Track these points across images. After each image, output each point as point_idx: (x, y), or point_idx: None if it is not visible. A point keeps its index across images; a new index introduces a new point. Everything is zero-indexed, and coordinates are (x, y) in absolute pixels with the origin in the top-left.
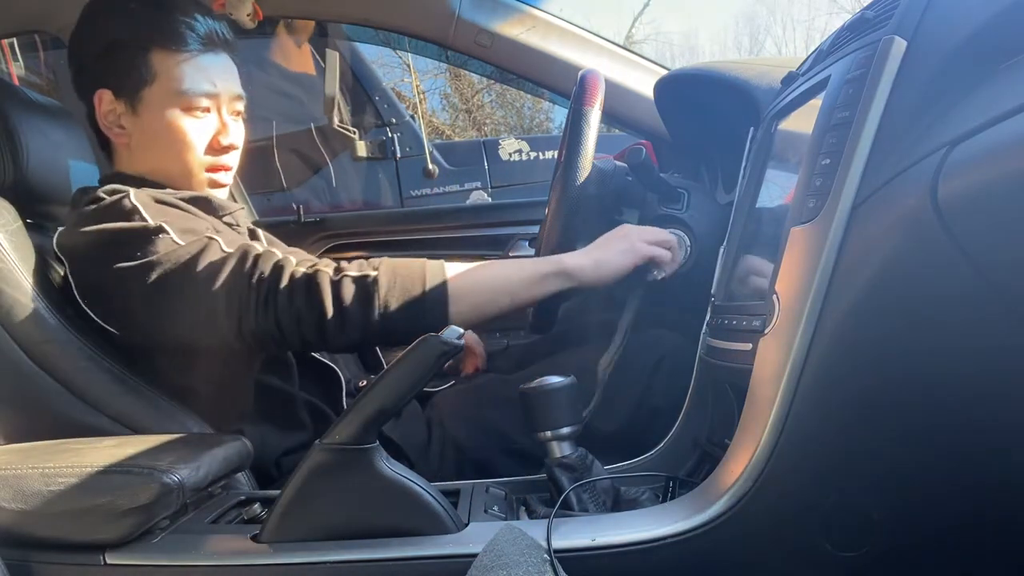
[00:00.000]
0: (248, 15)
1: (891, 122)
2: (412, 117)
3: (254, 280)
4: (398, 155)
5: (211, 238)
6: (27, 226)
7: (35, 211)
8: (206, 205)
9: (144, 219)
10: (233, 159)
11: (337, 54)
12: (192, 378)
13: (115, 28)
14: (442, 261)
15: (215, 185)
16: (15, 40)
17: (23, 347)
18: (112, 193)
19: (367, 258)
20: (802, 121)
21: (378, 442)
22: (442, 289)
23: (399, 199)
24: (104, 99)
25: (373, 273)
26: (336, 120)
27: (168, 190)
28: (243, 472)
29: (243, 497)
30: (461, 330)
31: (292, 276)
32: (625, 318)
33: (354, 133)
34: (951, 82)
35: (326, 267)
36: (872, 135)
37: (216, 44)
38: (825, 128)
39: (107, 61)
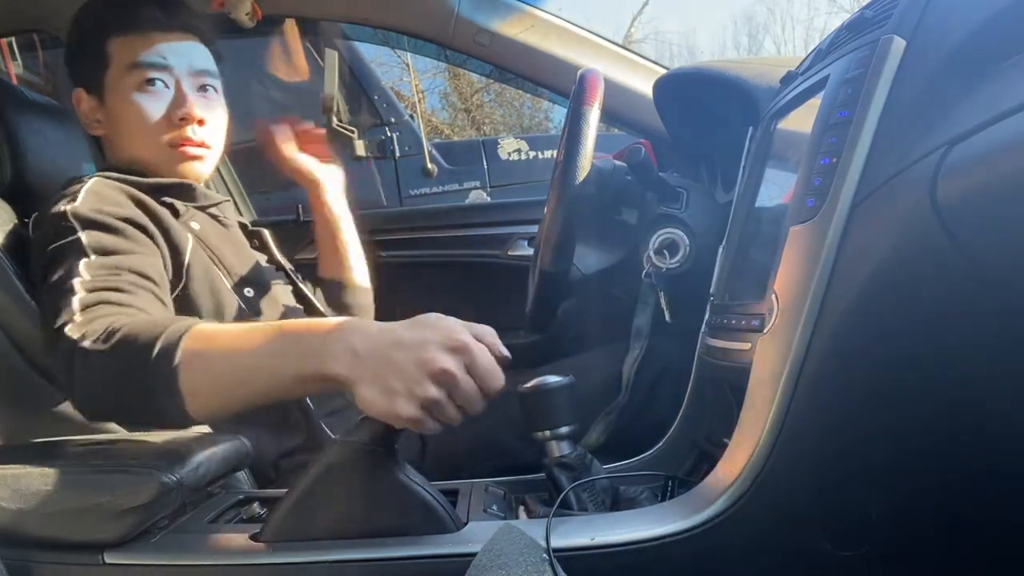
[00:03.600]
0: (247, 14)
1: (890, 121)
2: (411, 116)
3: (50, 304)
4: (397, 154)
5: (86, 243)
6: (25, 226)
7: (33, 211)
8: (184, 192)
9: (74, 202)
10: (205, 134)
11: (336, 53)
12: None
13: (80, 26)
14: (183, 336)
15: (187, 158)
16: (13, 39)
17: (20, 348)
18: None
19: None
20: (801, 120)
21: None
22: (172, 383)
23: (398, 198)
24: (81, 98)
25: (102, 347)
26: (335, 119)
27: (144, 178)
28: (242, 471)
29: (242, 496)
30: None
31: (61, 327)
32: (641, 320)
33: (353, 132)
34: (950, 81)
35: (85, 323)
36: (871, 134)
37: (170, 25)
38: (824, 127)
39: (77, 59)
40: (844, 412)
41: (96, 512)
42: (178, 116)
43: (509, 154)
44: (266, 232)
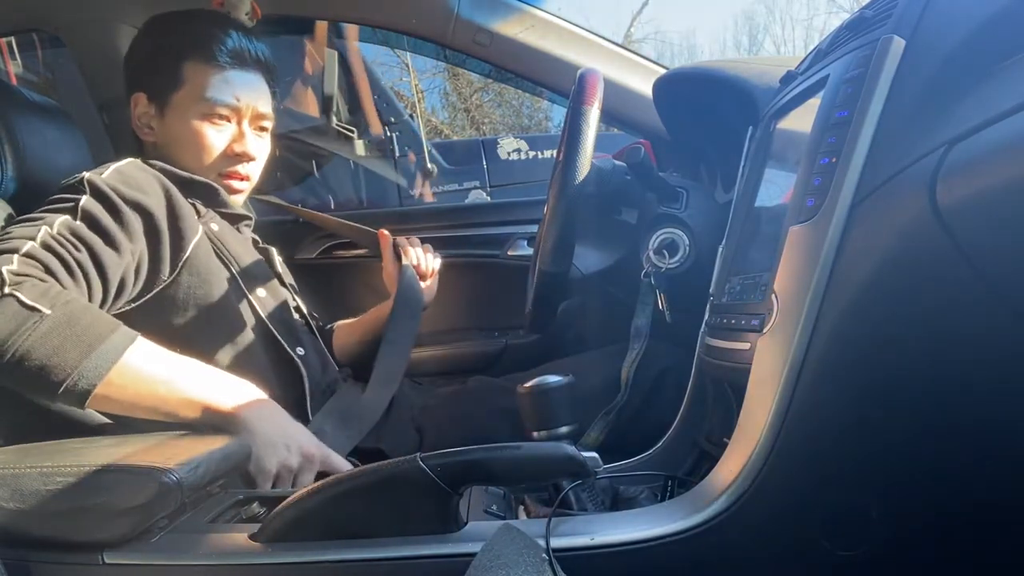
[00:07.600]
0: (247, 13)
1: (890, 121)
2: (411, 116)
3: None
4: (397, 154)
5: (83, 205)
6: None
7: (33, 211)
8: (210, 194)
9: (101, 173)
10: (250, 169)
11: (336, 53)
12: None
13: (159, 39)
14: (139, 340)
15: (231, 190)
16: (13, 39)
17: None
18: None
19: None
20: (801, 120)
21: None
22: (106, 362)
23: (398, 198)
24: (139, 102)
25: (48, 311)
26: (335, 119)
27: (178, 170)
28: None
29: (242, 496)
30: (598, 456)
31: None
32: (641, 320)
33: (353, 132)
34: (950, 81)
35: (18, 278)
36: (871, 134)
37: (246, 62)
38: (824, 127)
39: (146, 67)
40: (843, 412)
41: (96, 512)
42: (235, 152)
43: (509, 154)
44: (273, 250)
